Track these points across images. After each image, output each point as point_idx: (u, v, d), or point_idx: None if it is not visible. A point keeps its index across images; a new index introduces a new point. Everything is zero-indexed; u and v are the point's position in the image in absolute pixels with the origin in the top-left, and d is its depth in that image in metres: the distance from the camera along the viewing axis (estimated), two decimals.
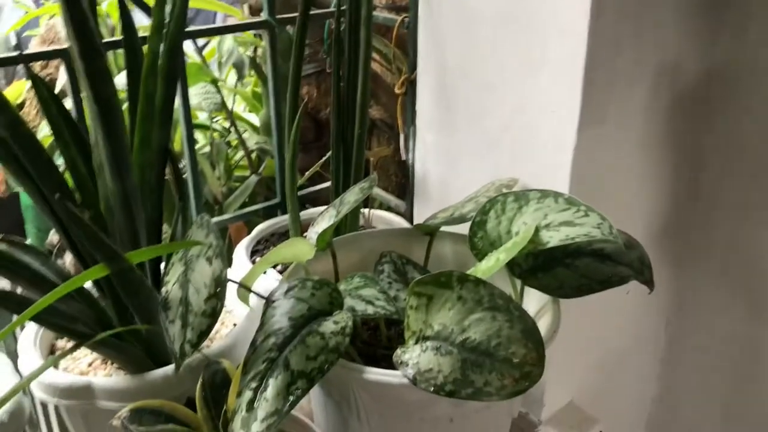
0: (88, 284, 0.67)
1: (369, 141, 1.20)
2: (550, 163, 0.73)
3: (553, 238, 0.57)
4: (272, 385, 0.49)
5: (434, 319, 0.53)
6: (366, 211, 0.96)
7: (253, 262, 0.87)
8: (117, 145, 0.59)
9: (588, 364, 0.89)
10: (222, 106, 1.23)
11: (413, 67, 0.90)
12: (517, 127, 0.76)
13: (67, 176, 0.63)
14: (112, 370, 0.68)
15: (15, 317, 0.53)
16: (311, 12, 0.84)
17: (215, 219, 0.95)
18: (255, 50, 1.30)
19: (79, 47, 0.55)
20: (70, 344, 0.69)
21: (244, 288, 0.62)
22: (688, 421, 1.01)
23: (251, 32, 1.26)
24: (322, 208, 0.71)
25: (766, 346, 0.89)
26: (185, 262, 0.60)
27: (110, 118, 0.58)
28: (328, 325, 0.53)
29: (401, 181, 1.12)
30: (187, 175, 0.87)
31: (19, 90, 1.56)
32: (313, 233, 0.66)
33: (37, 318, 0.59)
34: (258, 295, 0.61)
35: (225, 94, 1.25)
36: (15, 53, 0.73)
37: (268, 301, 0.56)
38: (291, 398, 0.48)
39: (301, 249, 0.64)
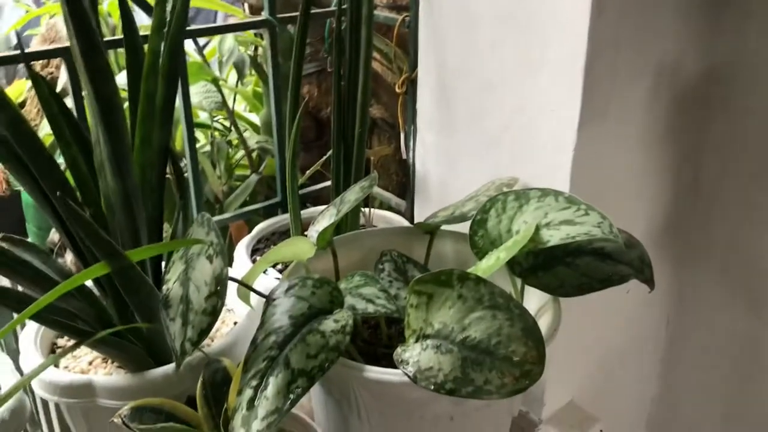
0: (88, 282, 0.67)
1: (370, 140, 1.20)
2: (550, 162, 0.73)
3: (553, 237, 0.57)
4: (273, 384, 0.49)
5: (434, 317, 0.53)
6: (366, 210, 0.96)
7: (254, 261, 0.87)
8: (118, 144, 0.59)
9: (588, 363, 0.89)
10: (223, 105, 1.24)
11: (414, 66, 0.90)
12: (518, 127, 0.76)
13: (68, 175, 0.63)
14: (113, 369, 0.68)
15: (15, 315, 0.53)
16: (312, 11, 0.84)
17: (216, 218, 0.96)
18: (256, 49, 1.30)
19: (80, 45, 0.55)
20: (71, 343, 0.69)
21: (245, 286, 0.62)
22: (689, 420, 1.01)
23: (252, 31, 1.26)
24: (322, 207, 0.71)
25: (766, 345, 0.89)
26: (186, 261, 0.61)
27: (111, 117, 0.58)
28: (329, 324, 0.54)
29: (402, 180, 1.12)
30: (188, 174, 0.87)
31: (20, 89, 1.56)
32: (313, 232, 0.66)
33: (37, 316, 0.59)
34: (258, 293, 0.61)
35: (226, 93, 1.25)
36: (16, 52, 0.73)
37: (269, 299, 0.56)
38: (291, 397, 0.48)
39: (301, 248, 0.64)
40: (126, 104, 0.66)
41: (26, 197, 1.67)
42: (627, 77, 0.72)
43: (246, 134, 1.31)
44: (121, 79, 0.69)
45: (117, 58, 1.35)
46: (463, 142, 0.84)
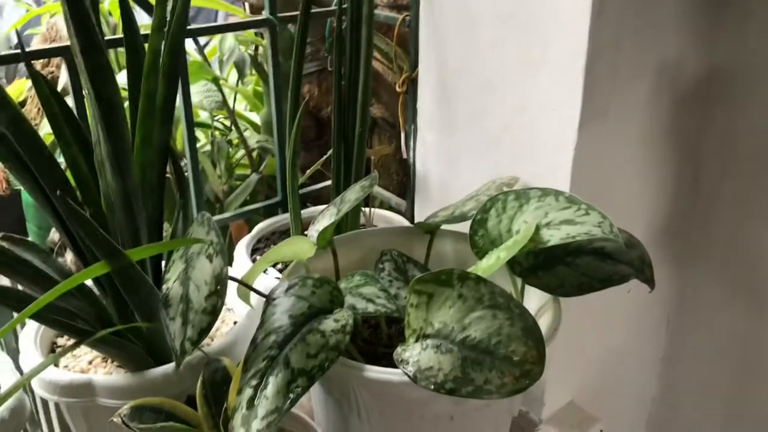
0: (88, 282, 0.67)
1: (370, 139, 1.20)
2: (550, 162, 0.73)
3: (553, 237, 0.57)
4: (272, 383, 0.49)
5: (435, 317, 0.53)
6: (367, 209, 0.96)
7: (254, 261, 0.87)
8: (118, 144, 0.59)
9: (588, 363, 0.89)
10: (223, 105, 1.24)
11: (414, 65, 0.90)
12: (518, 126, 0.76)
13: (68, 174, 0.63)
14: (113, 368, 0.68)
15: (15, 315, 0.53)
16: (312, 10, 0.84)
17: (216, 217, 0.96)
18: (256, 49, 1.30)
19: (81, 44, 0.55)
20: (71, 342, 0.69)
21: (245, 286, 0.62)
22: (689, 420, 1.01)
23: (252, 31, 1.26)
24: (323, 207, 0.71)
25: (766, 345, 0.89)
26: (186, 260, 0.61)
27: (111, 116, 0.58)
28: (329, 323, 0.53)
29: (402, 180, 1.12)
30: (188, 174, 0.87)
31: (20, 88, 1.56)
32: (313, 231, 0.66)
33: (37, 315, 0.59)
34: (258, 293, 0.61)
35: (226, 92, 1.25)
36: (16, 51, 0.73)
37: (269, 299, 0.56)
38: (291, 396, 0.48)
39: (301, 247, 0.64)
40: (126, 103, 0.66)
41: (26, 196, 1.67)
42: (627, 77, 0.72)
43: (246, 133, 1.31)
44: (122, 78, 0.69)
45: (117, 57, 1.35)
46: (464, 141, 0.84)
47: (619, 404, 0.98)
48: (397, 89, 0.93)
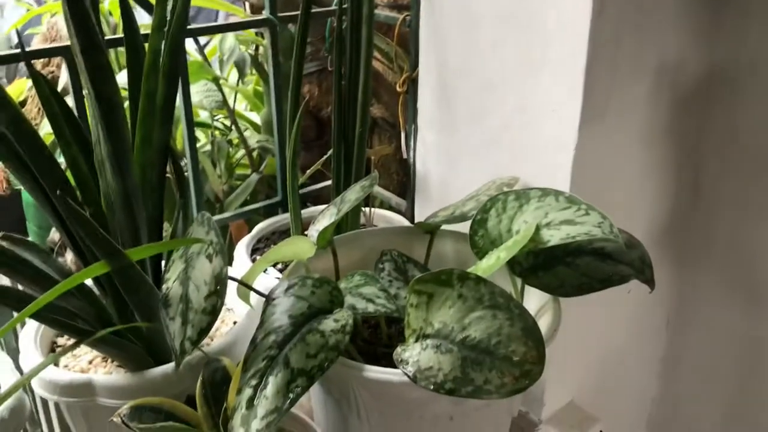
0: (88, 282, 0.67)
1: (370, 139, 1.20)
2: (550, 162, 0.73)
3: (553, 237, 0.57)
4: (272, 383, 0.49)
5: (434, 317, 0.53)
6: (367, 209, 0.96)
7: (254, 260, 0.87)
8: (118, 143, 0.59)
9: (588, 364, 0.89)
10: (223, 105, 1.24)
11: (414, 65, 0.90)
12: (518, 126, 0.76)
13: (69, 174, 0.63)
14: (113, 368, 0.68)
15: (15, 314, 0.53)
16: (313, 10, 0.84)
17: (216, 217, 0.96)
18: (256, 48, 1.30)
19: (81, 44, 0.55)
20: (71, 342, 0.69)
21: (245, 286, 0.62)
22: (689, 420, 1.01)
23: (253, 30, 1.26)
24: (323, 207, 0.71)
25: (766, 345, 0.89)
26: (186, 260, 0.61)
27: (112, 116, 0.58)
28: (329, 323, 0.53)
29: (402, 180, 1.12)
30: (188, 173, 0.87)
31: (20, 88, 1.56)
32: (313, 231, 0.66)
33: (37, 315, 0.59)
34: (258, 293, 0.61)
35: (226, 92, 1.25)
36: (17, 51, 0.73)
37: (269, 299, 0.56)
38: (291, 396, 0.48)
39: (301, 247, 0.64)
40: (126, 103, 0.66)
41: (26, 196, 1.67)
42: (628, 76, 0.72)
43: (246, 133, 1.31)
44: (122, 78, 0.69)
45: (118, 56, 1.35)
46: (464, 141, 0.84)
47: (619, 404, 0.98)
48: (398, 89, 0.93)
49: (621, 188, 0.79)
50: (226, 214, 1.00)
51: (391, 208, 1.03)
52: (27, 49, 0.70)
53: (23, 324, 0.73)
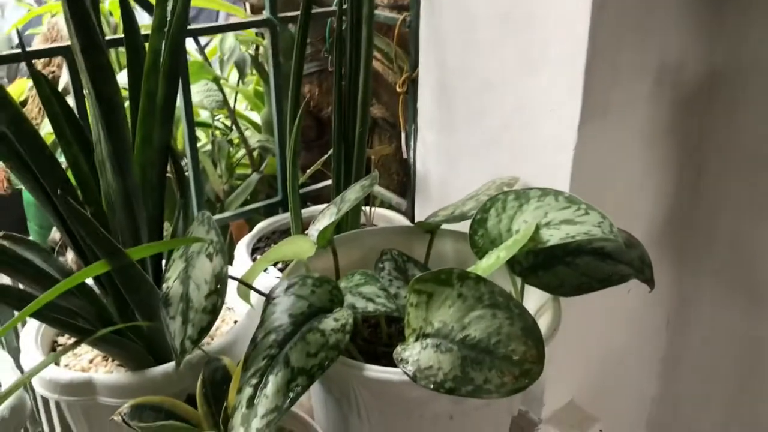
0: (89, 281, 0.67)
1: (370, 139, 1.20)
2: (550, 161, 0.73)
3: (553, 237, 0.57)
4: (272, 382, 0.49)
5: (434, 316, 0.53)
6: (367, 209, 0.96)
7: (254, 260, 0.87)
8: (119, 143, 0.60)
9: (588, 363, 0.89)
10: (224, 104, 1.24)
11: (414, 65, 0.90)
12: (518, 126, 0.76)
13: (69, 174, 0.64)
14: (113, 367, 0.68)
15: (16, 313, 0.53)
16: (313, 11, 0.84)
17: (217, 217, 0.96)
18: (257, 49, 1.31)
19: (81, 44, 0.55)
20: (72, 341, 0.69)
21: (245, 285, 0.62)
22: (689, 420, 1.01)
23: (253, 31, 1.27)
24: (323, 206, 0.71)
25: (766, 344, 0.89)
26: (186, 259, 0.61)
27: (112, 116, 0.58)
28: (329, 323, 0.54)
29: (402, 180, 1.12)
30: (189, 173, 0.87)
31: (21, 88, 1.56)
32: (314, 231, 0.66)
33: (38, 314, 0.59)
34: (258, 292, 0.61)
35: (227, 92, 1.25)
36: (17, 51, 0.73)
37: (269, 298, 0.56)
38: (291, 395, 0.49)
39: (301, 246, 0.64)
40: (127, 103, 0.66)
41: (27, 196, 1.67)
42: (628, 76, 0.72)
43: (247, 133, 1.31)
44: (122, 78, 0.69)
45: (118, 56, 1.35)
46: (464, 141, 0.84)
47: (619, 404, 0.98)
48: (398, 89, 0.93)
49: (621, 188, 0.80)
50: (226, 214, 1.00)
51: (391, 207, 1.04)
52: (27, 49, 0.70)
53: (24, 323, 0.73)
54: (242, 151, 1.32)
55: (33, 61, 0.71)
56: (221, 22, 1.76)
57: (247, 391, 0.50)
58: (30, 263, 0.60)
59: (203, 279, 0.57)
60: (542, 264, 0.61)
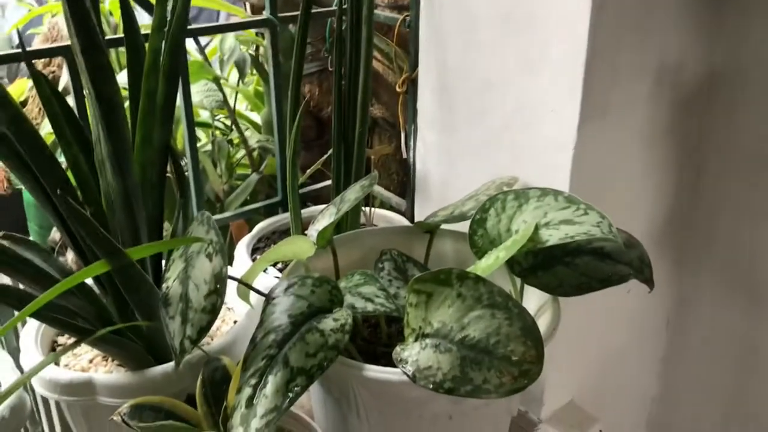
0: (89, 281, 0.67)
1: (370, 139, 1.20)
2: (550, 161, 0.73)
3: (552, 237, 0.57)
4: (271, 382, 0.49)
5: (434, 316, 0.53)
6: (367, 209, 0.96)
7: (254, 260, 0.87)
8: (118, 143, 0.60)
9: (588, 363, 0.89)
10: (224, 104, 1.24)
11: (414, 65, 0.90)
12: (518, 126, 0.76)
13: (69, 174, 0.64)
14: (113, 367, 0.68)
15: (16, 313, 0.53)
16: (313, 11, 0.84)
17: (216, 217, 0.96)
18: (257, 48, 1.31)
19: (81, 44, 0.55)
20: (72, 341, 0.69)
21: (245, 285, 0.62)
22: (689, 420, 1.01)
23: (253, 30, 1.27)
24: (323, 206, 0.71)
25: (766, 344, 0.89)
26: (185, 259, 0.61)
27: (112, 116, 0.59)
28: (328, 323, 0.54)
29: (402, 180, 1.12)
30: (189, 173, 0.87)
31: (21, 88, 1.56)
32: (313, 231, 0.67)
33: (38, 314, 0.60)
34: (258, 292, 0.61)
35: (227, 92, 1.25)
36: (18, 51, 0.73)
37: (268, 298, 0.56)
38: (290, 395, 0.49)
39: (301, 246, 0.64)
40: (127, 103, 0.66)
41: (27, 196, 1.67)
42: (627, 76, 0.72)
43: (247, 133, 1.32)
44: (123, 77, 0.69)
45: (118, 56, 1.35)
46: (464, 141, 0.84)
47: (619, 404, 0.98)
48: (397, 89, 0.93)
49: (621, 188, 0.80)
50: (226, 214, 1.00)
51: (391, 207, 1.04)
52: (28, 49, 0.70)
53: (24, 323, 0.73)
54: (242, 151, 1.32)
55: (33, 61, 0.71)
56: (222, 22, 1.76)
57: (247, 391, 0.50)
58: (30, 263, 0.60)
59: (203, 279, 0.58)
60: (541, 264, 0.61)
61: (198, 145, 0.99)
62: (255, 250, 0.91)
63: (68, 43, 0.70)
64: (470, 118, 0.82)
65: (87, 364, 0.69)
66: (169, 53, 0.64)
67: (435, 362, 0.50)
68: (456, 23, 0.80)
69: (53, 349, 0.71)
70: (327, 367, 0.50)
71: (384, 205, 1.06)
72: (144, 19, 1.05)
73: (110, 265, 0.56)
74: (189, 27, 0.81)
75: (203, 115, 1.33)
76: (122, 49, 1.16)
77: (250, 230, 0.94)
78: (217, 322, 0.75)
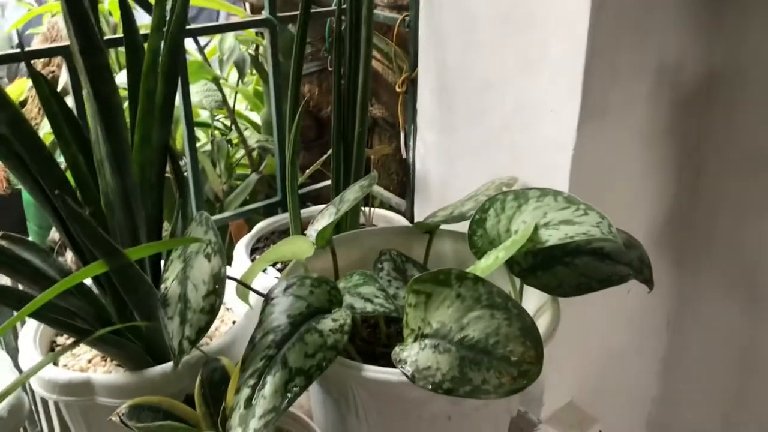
0: (88, 281, 0.67)
1: (370, 139, 1.20)
2: (549, 162, 0.73)
3: (552, 237, 0.57)
4: (270, 383, 0.49)
5: (433, 316, 0.53)
6: (366, 209, 0.96)
7: (253, 260, 0.87)
8: (117, 143, 0.59)
9: (588, 364, 0.89)
10: (223, 104, 1.24)
11: (414, 65, 0.90)
12: (517, 126, 0.76)
13: (68, 175, 0.64)
14: (112, 367, 0.68)
15: (15, 314, 0.53)
16: (312, 10, 0.84)
17: (216, 217, 0.96)
18: (256, 48, 1.30)
19: (79, 44, 0.55)
20: (70, 341, 0.69)
21: (244, 285, 0.62)
22: (689, 420, 1.01)
23: (253, 30, 1.26)
24: (322, 206, 0.71)
25: (766, 344, 0.89)
26: (184, 259, 0.61)
27: (110, 116, 0.58)
28: (327, 323, 0.54)
29: (402, 180, 1.12)
30: (188, 173, 0.87)
31: (21, 88, 1.56)
32: (312, 231, 0.66)
33: (37, 314, 0.59)
34: (257, 292, 0.61)
35: (226, 92, 1.25)
36: (16, 50, 0.73)
37: (267, 298, 0.56)
38: (289, 395, 0.49)
39: (300, 247, 0.64)
40: (126, 103, 0.66)
41: (27, 196, 1.67)
42: (627, 76, 0.72)
43: (246, 133, 1.31)
44: (122, 77, 0.69)
45: (118, 57, 1.35)
46: (463, 141, 0.84)
47: (618, 404, 0.98)
48: (397, 89, 0.93)
49: (620, 188, 0.79)
50: (225, 214, 1.00)
51: (390, 207, 1.04)
52: (26, 49, 0.70)
53: (23, 323, 0.73)
54: (241, 151, 1.32)
55: (33, 61, 0.71)
56: (221, 22, 1.76)
57: (245, 391, 0.50)
58: (29, 263, 0.60)
59: (201, 279, 0.57)
60: (541, 264, 0.61)
61: (197, 145, 0.99)
62: (254, 251, 0.91)
63: (67, 43, 0.70)
64: (470, 118, 0.82)
65: (86, 364, 0.69)
66: (168, 53, 0.64)
67: (434, 363, 0.50)
68: (455, 23, 0.80)
69: (52, 350, 0.71)
70: (326, 368, 0.50)
71: (383, 205, 1.06)
72: (143, 19, 1.05)
73: (109, 265, 0.56)
74: (188, 27, 0.81)
75: (203, 115, 1.32)
76: (122, 49, 1.16)
77: (249, 230, 0.94)
78: (216, 323, 0.75)
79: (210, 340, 0.71)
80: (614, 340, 0.91)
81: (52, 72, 1.54)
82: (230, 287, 0.64)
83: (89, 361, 0.69)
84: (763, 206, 0.84)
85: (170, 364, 0.63)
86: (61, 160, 0.63)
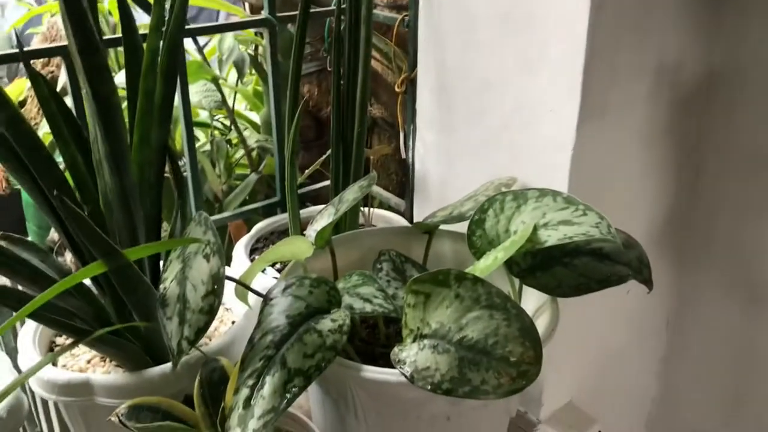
0: (87, 281, 0.67)
1: (370, 139, 1.20)
2: (549, 162, 0.73)
3: (551, 237, 0.57)
4: (269, 383, 0.49)
5: (432, 317, 0.53)
6: (366, 209, 0.96)
7: (253, 260, 0.87)
8: (116, 143, 0.59)
9: (588, 364, 0.89)
10: (223, 104, 1.24)
11: (413, 65, 0.90)
12: (517, 126, 0.76)
13: (67, 175, 0.63)
14: (111, 367, 0.68)
15: (14, 314, 0.53)
16: (311, 10, 0.84)
17: (215, 217, 0.96)
18: (256, 48, 1.30)
19: (78, 44, 0.55)
20: (69, 341, 0.69)
21: (243, 286, 0.62)
22: (688, 420, 1.01)
23: (252, 30, 1.26)
24: (321, 207, 0.71)
25: (766, 344, 0.89)
26: (183, 260, 0.61)
27: (109, 116, 0.58)
28: (326, 323, 0.53)
29: (401, 180, 1.12)
30: (187, 173, 0.87)
31: (20, 88, 1.56)
32: (312, 231, 0.66)
33: (36, 314, 0.59)
34: (256, 293, 0.61)
35: (226, 92, 1.25)
36: (15, 50, 0.73)
37: (266, 298, 0.56)
38: (288, 396, 0.48)
39: (299, 247, 0.64)
40: (125, 103, 0.66)
41: (26, 196, 1.67)
42: (626, 76, 0.72)
43: (246, 133, 1.31)
44: (121, 77, 0.69)
45: (117, 57, 1.35)
46: (463, 141, 0.84)
47: (618, 404, 0.98)
48: (396, 89, 0.93)
49: (620, 188, 0.79)
50: (225, 214, 1.00)
51: (390, 208, 1.03)
52: (25, 49, 0.70)
53: (22, 323, 0.73)
54: (241, 151, 1.32)
55: (32, 61, 0.71)
56: (221, 21, 1.76)
57: (244, 391, 0.49)
58: (28, 263, 0.60)
59: (200, 280, 0.57)
60: (540, 265, 0.61)
61: (197, 145, 0.99)
62: (253, 251, 0.91)
63: (66, 43, 0.70)
64: (469, 118, 0.82)
65: (85, 364, 0.69)
66: (167, 53, 0.64)
67: (433, 363, 0.50)
68: (455, 23, 0.80)
69: (51, 350, 0.71)
70: (325, 368, 0.50)
71: (383, 205, 1.06)
72: (143, 19, 1.05)
73: (108, 265, 0.56)
74: (187, 27, 0.81)
75: (202, 115, 1.32)
76: (121, 49, 1.16)
77: (248, 230, 0.94)
78: (215, 323, 0.75)
79: (209, 340, 0.71)
80: (613, 340, 0.91)
81: (52, 72, 1.54)
82: (229, 287, 0.64)
83: (88, 362, 0.69)
84: (763, 206, 0.84)
85: (169, 364, 0.63)
86: (60, 160, 0.63)
